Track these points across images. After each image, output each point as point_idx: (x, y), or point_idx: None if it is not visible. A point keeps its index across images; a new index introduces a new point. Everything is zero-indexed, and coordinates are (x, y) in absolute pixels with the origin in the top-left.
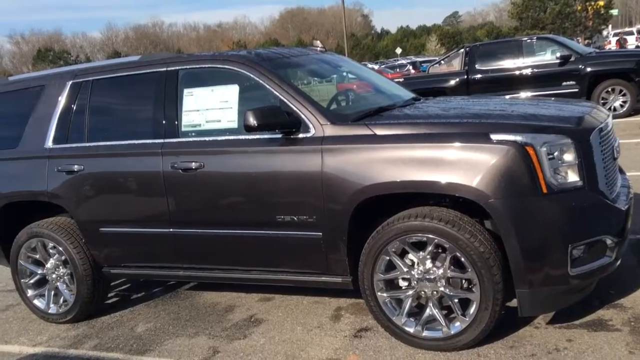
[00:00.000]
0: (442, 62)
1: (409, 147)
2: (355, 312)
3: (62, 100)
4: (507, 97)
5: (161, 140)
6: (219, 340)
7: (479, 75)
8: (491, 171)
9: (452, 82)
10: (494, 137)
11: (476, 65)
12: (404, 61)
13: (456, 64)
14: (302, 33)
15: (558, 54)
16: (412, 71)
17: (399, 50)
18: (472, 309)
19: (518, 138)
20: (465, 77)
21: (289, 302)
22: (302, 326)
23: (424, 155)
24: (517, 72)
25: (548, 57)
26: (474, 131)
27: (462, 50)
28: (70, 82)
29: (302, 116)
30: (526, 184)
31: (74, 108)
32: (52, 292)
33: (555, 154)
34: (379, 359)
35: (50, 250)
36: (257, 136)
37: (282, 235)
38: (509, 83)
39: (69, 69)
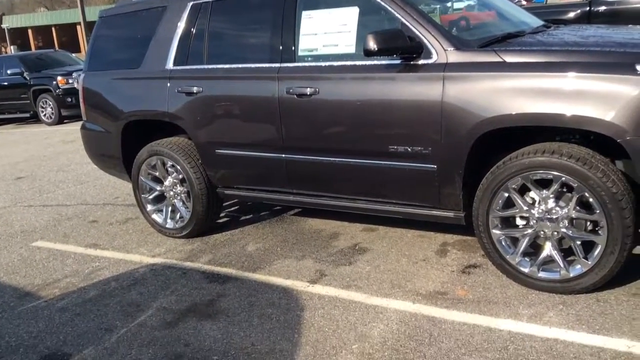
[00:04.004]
0: None
1: (542, 77)
2: (462, 248)
3: (183, 21)
4: None
5: (277, 65)
6: (325, 264)
7: (603, 7)
8: (633, 106)
9: (572, 14)
10: None
11: None
12: None
13: None
14: None
15: None
16: (524, 3)
17: None
18: (596, 253)
19: None
20: (588, 8)
21: (393, 234)
22: (408, 258)
23: (558, 86)
24: None
25: None
26: (617, 61)
27: None
28: (191, 4)
29: (425, 41)
30: None
31: (194, 29)
32: (170, 208)
33: None
34: (489, 295)
35: (169, 169)
36: (375, 62)
37: (394, 166)
38: (639, 17)
39: None
